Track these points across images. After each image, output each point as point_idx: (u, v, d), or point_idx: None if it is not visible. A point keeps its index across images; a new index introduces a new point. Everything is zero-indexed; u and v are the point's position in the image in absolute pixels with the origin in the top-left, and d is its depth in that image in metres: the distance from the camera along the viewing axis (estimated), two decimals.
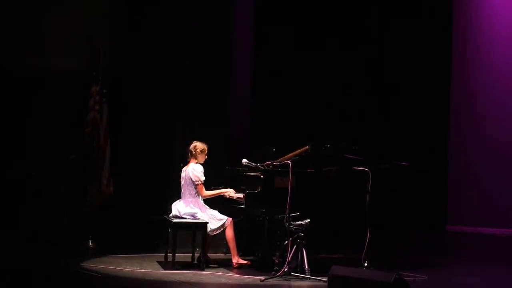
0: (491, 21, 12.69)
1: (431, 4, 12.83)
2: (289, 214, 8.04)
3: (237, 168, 9.00)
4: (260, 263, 8.72)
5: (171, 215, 8.74)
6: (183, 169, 8.77)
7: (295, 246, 8.05)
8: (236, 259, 8.66)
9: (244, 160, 8.59)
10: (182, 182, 8.74)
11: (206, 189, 8.73)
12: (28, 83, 10.28)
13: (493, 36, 12.64)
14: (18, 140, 10.19)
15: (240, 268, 8.56)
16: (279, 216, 8.31)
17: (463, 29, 12.89)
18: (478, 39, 12.76)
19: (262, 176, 8.45)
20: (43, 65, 10.36)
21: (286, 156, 8.56)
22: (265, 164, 8.58)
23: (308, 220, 8.10)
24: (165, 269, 8.43)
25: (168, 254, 8.72)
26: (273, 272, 8.00)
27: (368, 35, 12.51)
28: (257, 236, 9.00)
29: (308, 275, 7.92)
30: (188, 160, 8.76)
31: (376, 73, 12.52)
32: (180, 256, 8.75)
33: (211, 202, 8.80)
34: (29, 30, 10.31)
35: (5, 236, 9.49)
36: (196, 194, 8.68)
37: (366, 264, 8.24)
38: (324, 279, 7.57)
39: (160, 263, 8.76)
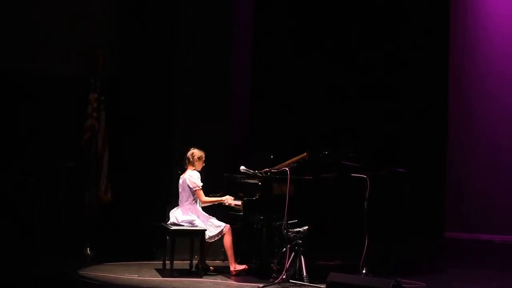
0: (488, 23, 12.69)
1: (429, 7, 12.81)
2: (287, 221, 8.04)
3: (235, 175, 9.00)
4: (258, 270, 8.72)
5: (169, 222, 8.74)
6: (181, 176, 8.78)
7: (293, 253, 8.04)
8: (234, 266, 8.65)
9: (242, 167, 8.59)
10: (180, 190, 8.75)
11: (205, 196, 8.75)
12: (26, 88, 10.29)
13: (490, 40, 12.65)
14: (16, 146, 10.18)
15: (238, 275, 8.55)
16: (277, 223, 8.31)
17: (460, 32, 12.88)
18: (475, 43, 12.76)
19: (260, 183, 8.44)
20: (42, 71, 10.38)
21: (284, 163, 8.55)
22: (263, 171, 8.57)
23: (306, 227, 8.10)
24: (163, 277, 8.41)
25: (166, 261, 8.70)
26: (271, 279, 8.00)
27: (366, 38, 12.50)
28: (255, 243, 9.00)
29: (306, 282, 7.91)
30: (185, 167, 8.76)
31: (374, 78, 12.52)
32: (178, 263, 8.74)
33: (209, 209, 8.80)
34: (27, 35, 10.32)
35: (3, 242, 9.48)
36: (194, 201, 8.68)
37: (364, 271, 8.23)
38: (322, 286, 7.58)
39: (158, 270, 8.75)
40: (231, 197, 8.78)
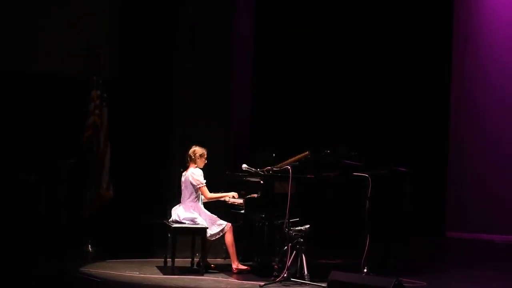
0: (492, 20, 12.64)
1: (432, 4, 12.81)
2: (288, 220, 8.04)
3: (237, 173, 9.00)
4: (260, 268, 8.73)
5: (170, 220, 8.74)
6: (183, 174, 8.78)
7: (294, 252, 8.05)
8: (235, 264, 8.66)
9: (244, 165, 8.60)
10: (182, 187, 8.75)
11: None
12: (28, 86, 10.30)
13: (493, 37, 12.58)
14: (18, 143, 10.19)
15: (240, 273, 8.57)
16: (279, 222, 8.32)
17: (464, 29, 12.82)
18: (478, 40, 12.69)
19: (262, 182, 8.44)
20: (43, 69, 10.38)
21: (286, 162, 8.56)
22: (265, 169, 8.58)
23: (308, 226, 8.10)
24: (164, 274, 8.42)
25: (168, 259, 8.71)
26: (272, 278, 8.00)
27: (367, 37, 12.50)
28: (257, 242, 9.00)
29: (308, 280, 7.92)
30: (187, 165, 8.77)
31: (375, 76, 12.51)
32: (180, 261, 8.74)
33: (211, 207, 8.80)
34: (29, 34, 10.34)
35: (4, 240, 9.48)
36: (196, 198, 8.69)
37: (365, 270, 8.23)
38: (323, 284, 7.57)
39: (159, 268, 8.76)
40: (236, 193, 8.78)
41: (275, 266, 8.30)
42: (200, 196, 8.73)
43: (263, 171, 8.54)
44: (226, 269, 8.73)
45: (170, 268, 8.48)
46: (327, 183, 8.67)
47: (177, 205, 8.78)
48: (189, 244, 8.87)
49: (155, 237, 9.51)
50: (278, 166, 8.58)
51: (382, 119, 12.48)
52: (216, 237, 8.63)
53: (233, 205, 8.75)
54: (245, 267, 8.72)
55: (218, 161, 9.28)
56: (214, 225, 8.61)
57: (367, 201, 8.36)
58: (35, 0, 10.45)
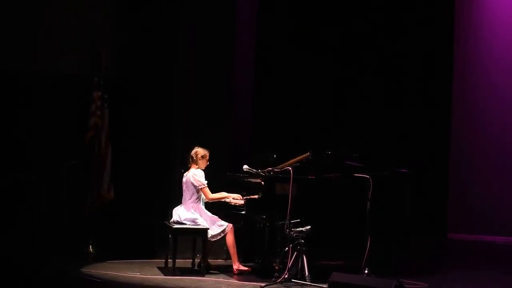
0: (493, 20, 12.64)
1: (432, 4, 12.80)
2: (289, 221, 8.03)
3: (238, 174, 8.99)
4: (261, 269, 8.72)
5: (171, 220, 8.73)
6: (184, 174, 8.78)
7: (295, 253, 8.04)
8: (236, 265, 8.66)
9: (245, 166, 8.59)
10: (184, 188, 8.75)
11: None
12: (29, 87, 10.30)
13: (494, 35, 12.59)
14: (19, 144, 10.18)
15: (240, 275, 8.56)
16: (280, 223, 8.31)
17: (464, 28, 12.83)
18: (479, 39, 12.71)
19: (263, 183, 8.43)
20: (44, 69, 10.37)
21: (287, 163, 8.55)
22: (266, 170, 8.57)
23: (309, 227, 8.10)
24: (165, 275, 8.41)
25: (168, 260, 8.71)
26: (273, 279, 7.99)
27: (367, 37, 12.49)
28: (258, 243, 9.00)
29: (308, 281, 7.91)
30: (189, 165, 8.76)
31: (375, 76, 12.51)
32: (180, 262, 8.75)
33: (212, 208, 8.80)
34: (29, 34, 10.33)
35: (5, 241, 9.48)
36: (198, 199, 8.69)
37: (366, 271, 8.24)
38: (324, 286, 7.56)
39: (160, 268, 8.75)
40: (239, 195, 8.77)
41: (276, 267, 8.30)
42: (202, 197, 8.73)
43: (264, 172, 8.54)
44: (227, 270, 8.72)
45: (171, 269, 8.49)
46: (328, 184, 8.66)
47: (178, 206, 8.77)
48: (190, 245, 8.88)
49: (156, 237, 9.49)
50: (279, 167, 8.57)
51: (382, 119, 12.48)
52: (217, 238, 8.63)
53: (234, 206, 8.74)
54: (246, 268, 8.72)
55: (219, 162, 9.27)
56: (215, 226, 8.61)
57: (368, 202, 8.36)
58: (35, 0, 10.44)
